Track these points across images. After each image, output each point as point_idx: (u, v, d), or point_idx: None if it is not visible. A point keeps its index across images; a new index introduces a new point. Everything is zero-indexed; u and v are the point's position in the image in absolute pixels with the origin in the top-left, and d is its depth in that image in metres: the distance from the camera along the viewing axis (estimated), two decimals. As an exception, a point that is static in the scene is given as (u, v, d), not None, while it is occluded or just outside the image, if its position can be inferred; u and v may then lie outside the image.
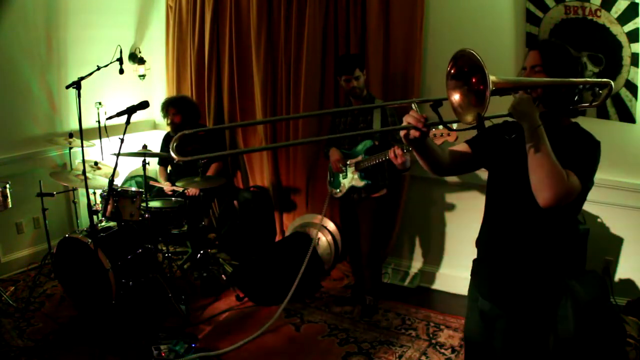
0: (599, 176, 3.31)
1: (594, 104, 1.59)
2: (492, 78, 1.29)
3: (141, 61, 4.71)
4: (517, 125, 1.51)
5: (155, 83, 4.95)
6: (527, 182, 1.50)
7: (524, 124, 1.46)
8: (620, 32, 2.89)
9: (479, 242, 1.85)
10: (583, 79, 1.55)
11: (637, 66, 2.90)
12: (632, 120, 3.01)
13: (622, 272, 3.23)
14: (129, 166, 4.74)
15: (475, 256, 1.91)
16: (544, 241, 1.64)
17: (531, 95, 1.50)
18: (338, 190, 3.40)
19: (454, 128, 2.65)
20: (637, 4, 2.81)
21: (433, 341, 3.14)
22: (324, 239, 4.00)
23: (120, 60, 4.04)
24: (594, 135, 1.60)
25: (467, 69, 1.37)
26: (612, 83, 1.58)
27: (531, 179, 1.47)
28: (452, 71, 1.39)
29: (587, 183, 1.53)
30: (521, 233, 1.66)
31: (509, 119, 1.53)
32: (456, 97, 1.40)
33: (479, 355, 1.88)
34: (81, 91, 3.14)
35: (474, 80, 1.36)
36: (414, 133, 1.42)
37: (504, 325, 1.72)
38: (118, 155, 3.08)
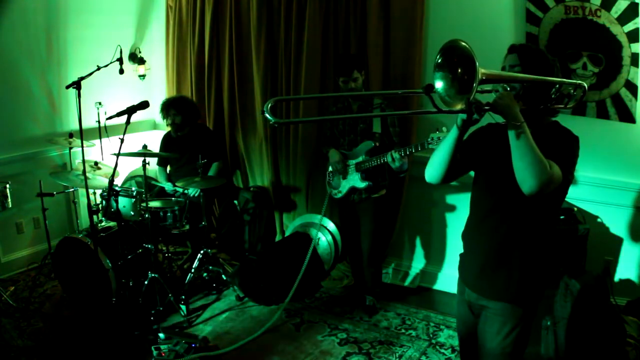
0: (599, 176, 3.33)
1: (568, 105, 1.70)
2: (481, 70, 1.37)
3: (141, 61, 4.71)
4: (501, 126, 1.60)
5: (155, 83, 4.95)
6: (508, 177, 1.59)
7: (506, 117, 1.54)
8: (620, 32, 2.89)
9: (464, 236, 1.94)
10: (559, 78, 1.66)
11: (637, 66, 2.90)
12: (632, 120, 3.00)
13: (622, 272, 3.23)
14: (129, 166, 4.74)
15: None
16: (526, 233, 1.71)
17: (511, 92, 1.59)
18: (338, 190, 3.40)
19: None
20: (637, 4, 2.81)
21: (433, 341, 3.14)
22: (324, 239, 4.00)
23: (120, 60, 4.04)
24: (572, 131, 1.70)
25: (456, 60, 1.44)
26: (586, 85, 1.71)
27: (515, 169, 1.55)
28: (440, 61, 1.48)
29: (568, 175, 1.61)
30: (503, 225, 1.73)
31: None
32: (444, 85, 1.49)
33: (472, 347, 1.91)
34: (81, 91, 3.15)
35: (460, 70, 1.44)
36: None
37: (489, 315, 1.78)
38: (118, 155, 3.08)
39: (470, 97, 1.38)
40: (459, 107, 1.44)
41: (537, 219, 1.70)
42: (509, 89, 1.61)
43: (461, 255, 1.96)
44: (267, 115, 1.33)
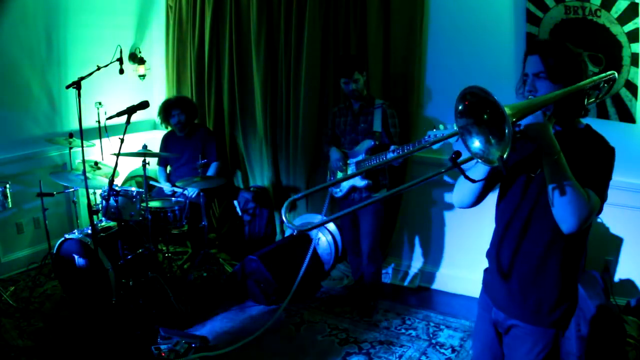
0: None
1: (600, 96, 1.58)
2: (507, 111, 1.20)
3: (141, 61, 4.71)
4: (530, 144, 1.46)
5: (155, 83, 4.95)
6: (541, 194, 1.49)
7: (540, 145, 1.40)
8: (620, 32, 2.90)
9: (491, 254, 1.79)
10: (590, 79, 1.52)
11: (637, 66, 2.90)
12: (632, 120, 3.01)
13: (622, 272, 3.23)
14: (129, 166, 4.74)
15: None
16: (558, 253, 1.59)
17: (542, 111, 1.41)
18: (338, 189, 3.40)
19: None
20: (637, 4, 2.81)
21: (433, 341, 3.14)
22: (324, 239, 4.00)
23: (120, 60, 4.04)
24: (607, 139, 1.54)
25: (468, 103, 1.30)
26: (615, 73, 1.57)
27: (553, 208, 1.43)
28: (461, 108, 1.32)
29: (604, 196, 1.49)
30: (535, 246, 1.61)
31: None
32: (476, 141, 1.31)
33: None
34: (81, 91, 3.14)
35: (485, 116, 1.29)
36: None
37: (519, 334, 1.68)
38: (118, 155, 3.08)
39: (504, 155, 1.21)
40: (493, 161, 1.26)
41: (571, 238, 1.53)
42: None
43: (486, 271, 1.82)
44: (285, 220, 1.30)
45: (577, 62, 1.51)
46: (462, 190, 1.69)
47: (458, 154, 1.34)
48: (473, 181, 1.39)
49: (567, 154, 1.40)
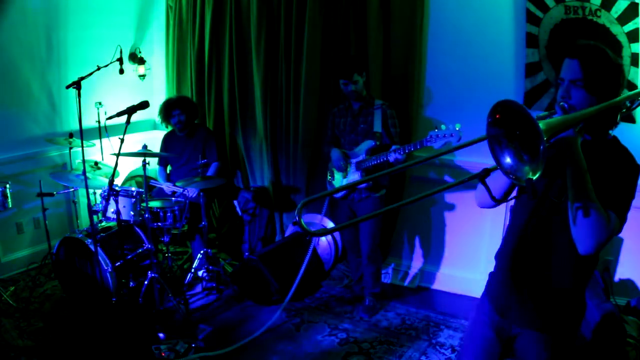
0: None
1: (631, 107, 1.54)
2: (542, 127, 1.16)
3: (141, 61, 4.71)
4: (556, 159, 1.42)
5: (155, 83, 4.95)
6: (558, 204, 1.47)
7: (566, 159, 1.36)
8: (620, 32, 2.90)
9: (500, 259, 1.74)
10: (626, 95, 1.46)
11: (637, 66, 2.90)
12: (632, 120, 3.01)
13: (622, 272, 3.23)
14: (129, 166, 4.74)
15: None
16: (572, 264, 1.54)
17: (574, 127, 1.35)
18: (338, 190, 3.40)
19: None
20: (637, 4, 2.82)
21: (433, 341, 3.14)
22: (324, 239, 4.00)
23: (120, 60, 4.04)
24: (633, 155, 1.49)
25: (509, 116, 1.24)
26: None
27: (573, 227, 1.39)
28: (492, 120, 1.27)
29: (625, 218, 1.44)
30: (548, 255, 1.57)
31: None
32: (507, 157, 1.27)
33: None
34: (81, 91, 3.14)
35: (517, 131, 1.23)
36: None
37: (527, 342, 1.65)
38: (118, 155, 3.08)
39: (534, 177, 1.17)
40: (526, 174, 1.22)
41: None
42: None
43: (492, 275, 1.78)
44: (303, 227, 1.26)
45: (617, 72, 1.45)
46: (485, 193, 1.65)
47: (487, 171, 1.32)
48: (497, 202, 1.36)
49: (591, 165, 1.36)
